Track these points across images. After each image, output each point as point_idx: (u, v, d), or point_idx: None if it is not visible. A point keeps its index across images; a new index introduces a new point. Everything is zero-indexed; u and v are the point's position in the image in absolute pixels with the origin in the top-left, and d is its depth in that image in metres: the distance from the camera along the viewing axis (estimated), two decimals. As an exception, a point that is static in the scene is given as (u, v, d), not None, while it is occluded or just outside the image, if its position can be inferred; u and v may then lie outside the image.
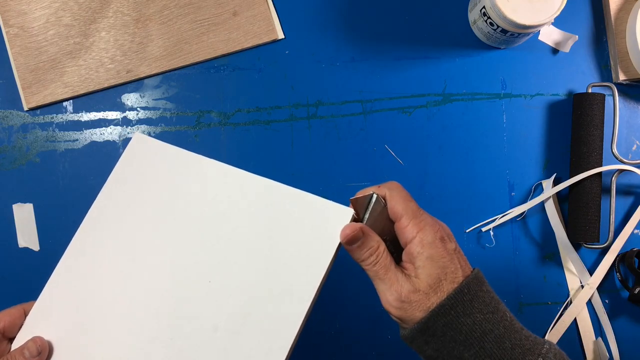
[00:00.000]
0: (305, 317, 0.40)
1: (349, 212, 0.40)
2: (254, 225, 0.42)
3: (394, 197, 0.39)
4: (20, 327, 0.42)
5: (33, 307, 0.43)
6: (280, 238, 0.42)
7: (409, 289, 0.37)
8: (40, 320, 0.42)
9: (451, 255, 0.38)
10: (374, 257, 0.38)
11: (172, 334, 0.41)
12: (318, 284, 0.40)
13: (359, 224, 0.38)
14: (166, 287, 0.42)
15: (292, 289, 0.40)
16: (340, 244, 0.40)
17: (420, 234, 0.38)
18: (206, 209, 0.43)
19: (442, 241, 0.38)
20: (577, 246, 0.59)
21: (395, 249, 0.40)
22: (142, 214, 0.44)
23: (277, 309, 0.40)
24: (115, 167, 0.45)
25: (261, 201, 0.43)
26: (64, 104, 0.60)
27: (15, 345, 0.42)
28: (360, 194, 0.40)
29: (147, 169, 0.45)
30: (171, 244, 0.43)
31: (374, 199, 0.39)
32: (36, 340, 0.41)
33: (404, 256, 0.39)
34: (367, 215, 0.40)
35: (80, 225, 0.44)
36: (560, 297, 0.59)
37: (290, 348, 0.40)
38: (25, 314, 0.43)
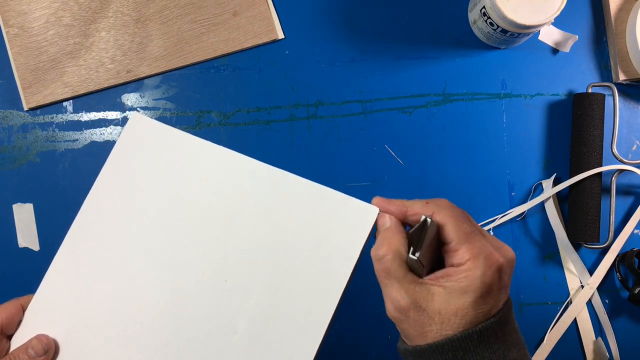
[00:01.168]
0: (330, 321, 0.38)
1: (374, 210, 0.38)
2: (271, 220, 0.39)
3: (444, 217, 0.35)
4: (19, 323, 0.40)
5: (31, 302, 0.40)
6: (300, 235, 0.39)
7: (408, 304, 0.34)
8: (40, 315, 0.40)
9: (486, 298, 0.33)
10: (378, 258, 0.35)
11: (188, 335, 0.38)
12: (343, 285, 0.38)
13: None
14: (177, 284, 0.39)
15: (315, 291, 0.38)
16: (365, 243, 0.38)
17: (469, 263, 0.33)
18: (216, 200, 0.40)
19: (492, 279, 0.33)
20: (577, 246, 0.59)
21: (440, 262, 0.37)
22: (145, 204, 0.41)
23: (300, 311, 0.38)
24: (113, 150, 0.42)
25: (278, 194, 0.40)
26: (64, 104, 0.60)
27: (16, 343, 0.40)
28: (399, 205, 0.37)
29: (149, 153, 0.41)
30: (180, 238, 0.40)
31: (428, 224, 0.34)
32: (41, 338, 0.38)
33: (441, 272, 0.35)
34: (424, 244, 0.34)
35: (77, 216, 0.41)
36: (560, 297, 0.59)
37: (316, 354, 0.37)
38: (23, 309, 0.40)
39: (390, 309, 0.35)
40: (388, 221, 0.37)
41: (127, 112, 0.61)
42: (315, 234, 0.39)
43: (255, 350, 0.38)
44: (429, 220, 0.34)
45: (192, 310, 0.39)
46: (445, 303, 0.33)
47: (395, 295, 0.34)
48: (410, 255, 0.34)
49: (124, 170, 0.42)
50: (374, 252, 0.36)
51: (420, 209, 0.36)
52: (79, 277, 0.41)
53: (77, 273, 0.41)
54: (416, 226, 0.35)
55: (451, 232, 0.34)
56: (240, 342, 0.38)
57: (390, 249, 0.35)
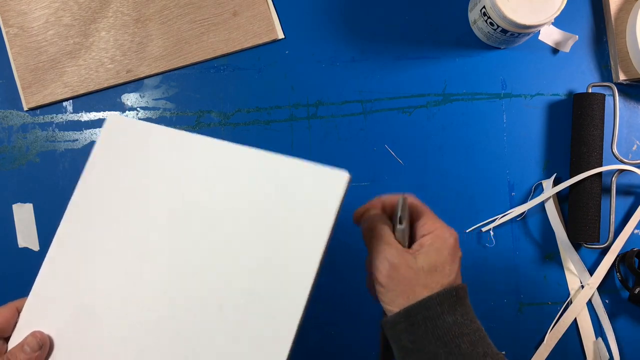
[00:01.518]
0: (310, 290, 0.39)
1: (345, 174, 0.41)
2: (249, 198, 0.42)
3: (414, 200, 0.42)
4: (15, 325, 0.41)
5: (25, 304, 0.42)
6: (278, 208, 0.41)
7: (400, 261, 0.38)
8: (35, 316, 0.42)
9: (454, 258, 0.40)
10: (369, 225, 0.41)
11: (176, 315, 0.40)
12: (321, 253, 0.40)
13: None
14: (164, 269, 0.41)
15: (295, 261, 0.40)
16: (339, 210, 0.40)
17: (437, 230, 0.40)
18: (197, 186, 0.42)
19: (454, 244, 0.40)
20: (577, 246, 0.59)
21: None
22: (128, 198, 0.43)
23: (281, 283, 0.40)
24: (93, 151, 0.44)
25: (253, 173, 0.42)
26: (64, 104, 0.60)
27: (12, 343, 0.41)
28: (377, 201, 0.43)
29: (128, 150, 0.44)
30: (165, 224, 0.42)
31: (406, 200, 0.41)
32: (36, 334, 0.40)
33: (416, 244, 0.40)
34: (405, 214, 0.41)
35: (65, 214, 0.43)
36: (561, 297, 0.59)
37: (299, 323, 0.39)
38: (18, 312, 0.42)
39: (382, 271, 0.39)
40: (372, 208, 0.43)
41: (127, 112, 0.61)
42: (292, 205, 0.41)
43: (241, 324, 0.39)
44: (404, 196, 0.42)
45: (181, 293, 0.41)
46: (426, 261, 0.39)
47: (388, 255, 0.39)
48: (399, 225, 0.40)
49: (108, 168, 0.44)
50: (361, 214, 0.42)
51: (393, 196, 0.43)
52: (70, 277, 0.42)
53: (68, 273, 0.42)
54: (397, 203, 0.41)
55: (423, 209, 0.42)
56: (227, 317, 0.40)
57: (378, 213, 0.42)
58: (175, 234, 0.42)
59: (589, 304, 0.59)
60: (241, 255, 0.41)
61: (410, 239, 0.42)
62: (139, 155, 0.44)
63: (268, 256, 0.40)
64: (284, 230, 0.41)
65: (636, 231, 0.59)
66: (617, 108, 0.59)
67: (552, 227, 0.59)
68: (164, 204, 0.42)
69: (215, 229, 0.41)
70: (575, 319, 0.58)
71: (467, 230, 0.59)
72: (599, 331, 0.59)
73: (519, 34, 0.55)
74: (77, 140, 0.60)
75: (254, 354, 0.39)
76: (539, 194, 0.60)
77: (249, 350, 0.39)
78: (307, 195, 0.41)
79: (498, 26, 0.55)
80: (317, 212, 0.40)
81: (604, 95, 0.58)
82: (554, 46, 0.61)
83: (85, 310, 0.41)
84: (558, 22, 0.60)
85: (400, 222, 0.41)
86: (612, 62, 0.61)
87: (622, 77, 0.59)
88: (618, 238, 0.58)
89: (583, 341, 0.58)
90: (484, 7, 0.55)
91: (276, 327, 0.39)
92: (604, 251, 0.58)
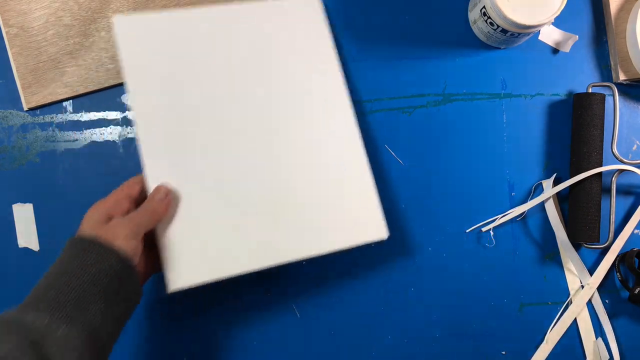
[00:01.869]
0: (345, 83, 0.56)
1: None
2: (265, 44, 0.54)
3: None
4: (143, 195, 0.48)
5: (146, 176, 0.49)
6: (282, 46, 0.55)
7: None
8: (159, 177, 0.49)
9: None
10: None
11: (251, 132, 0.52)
12: (337, 62, 0.56)
13: None
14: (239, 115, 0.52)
15: (318, 67, 0.55)
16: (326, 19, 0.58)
17: None
18: (227, 48, 0.53)
19: None
20: (577, 246, 0.59)
21: None
22: (181, 78, 0.51)
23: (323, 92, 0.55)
24: (123, 60, 0.51)
25: (255, 22, 0.54)
26: (64, 104, 0.60)
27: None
28: None
29: (152, 45, 0.51)
30: (225, 84, 0.52)
31: None
32: (159, 187, 0.48)
33: None
34: None
35: (135, 117, 0.50)
36: (561, 297, 0.59)
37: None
38: (141, 182, 0.49)
39: None
40: None
41: (127, 112, 0.61)
42: (294, 34, 0.55)
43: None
44: None
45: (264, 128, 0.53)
46: None
47: None
48: None
49: (148, 67, 0.51)
50: None
51: None
52: (172, 129, 0.51)
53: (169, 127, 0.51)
54: None
55: None
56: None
57: None
58: (234, 87, 0.52)
59: (589, 304, 0.59)
60: (288, 84, 0.54)
61: None
62: (164, 43, 0.52)
63: (303, 79, 0.55)
64: (297, 62, 0.55)
65: (636, 231, 0.59)
66: (617, 108, 0.59)
67: (552, 227, 0.59)
68: (214, 70, 0.52)
69: (261, 78, 0.53)
70: (575, 319, 0.58)
71: (467, 230, 0.59)
72: (599, 331, 0.59)
73: (519, 34, 0.55)
74: (77, 140, 0.60)
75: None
76: (539, 194, 0.60)
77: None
78: (298, 22, 0.56)
79: (498, 26, 0.55)
80: (313, 35, 0.56)
81: (604, 95, 0.58)
82: (554, 46, 0.61)
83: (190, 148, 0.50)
84: (558, 22, 0.60)
85: None
86: (612, 62, 0.61)
87: (622, 77, 0.59)
88: (618, 238, 0.58)
89: (583, 341, 0.58)
90: (484, 7, 0.55)
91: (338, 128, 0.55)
92: (604, 251, 0.58)
